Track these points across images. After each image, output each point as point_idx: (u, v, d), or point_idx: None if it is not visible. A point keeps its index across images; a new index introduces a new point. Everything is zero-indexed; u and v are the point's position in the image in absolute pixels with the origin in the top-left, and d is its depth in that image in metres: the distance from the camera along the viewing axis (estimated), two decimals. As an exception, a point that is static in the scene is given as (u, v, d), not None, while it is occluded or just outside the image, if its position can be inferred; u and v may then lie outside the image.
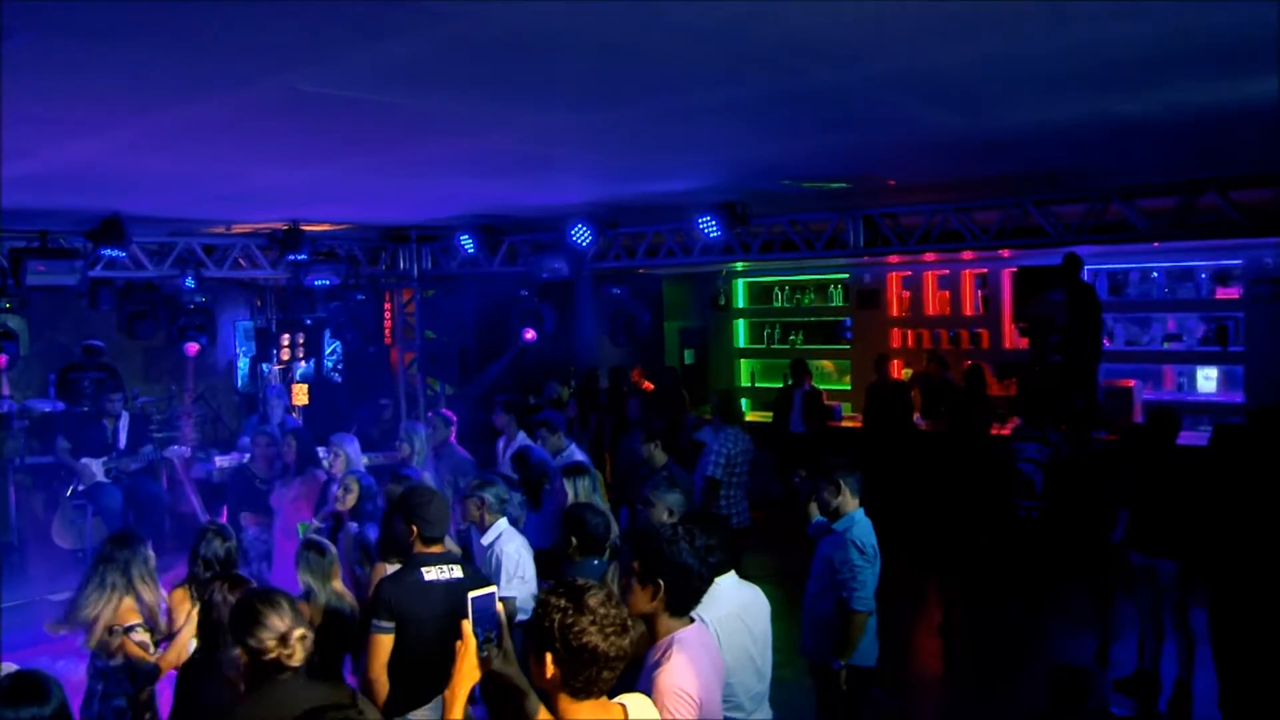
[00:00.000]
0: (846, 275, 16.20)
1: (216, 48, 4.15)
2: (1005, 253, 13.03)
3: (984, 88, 5.23)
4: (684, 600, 4.05)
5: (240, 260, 11.51)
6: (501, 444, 10.31)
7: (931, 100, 5.51)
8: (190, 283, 11.13)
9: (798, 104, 5.50)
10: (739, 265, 16.45)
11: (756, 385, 17.26)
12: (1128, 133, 6.40)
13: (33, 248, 9.64)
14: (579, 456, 9.14)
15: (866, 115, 5.83)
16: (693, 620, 4.11)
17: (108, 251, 9.86)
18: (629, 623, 3.30)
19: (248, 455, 9.73)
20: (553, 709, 3.31)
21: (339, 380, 14.42)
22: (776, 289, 17.36)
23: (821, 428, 14.38)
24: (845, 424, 15.23)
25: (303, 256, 10.79)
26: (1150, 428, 8.30)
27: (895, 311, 15.86)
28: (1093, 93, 5.33)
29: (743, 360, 17.99)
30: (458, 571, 5.53)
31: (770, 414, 14.85)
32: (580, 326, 14.25)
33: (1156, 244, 9.99)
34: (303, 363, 13.70)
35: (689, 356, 17.95)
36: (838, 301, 16.60)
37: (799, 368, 14.59)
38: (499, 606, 3.54)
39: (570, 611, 3.21)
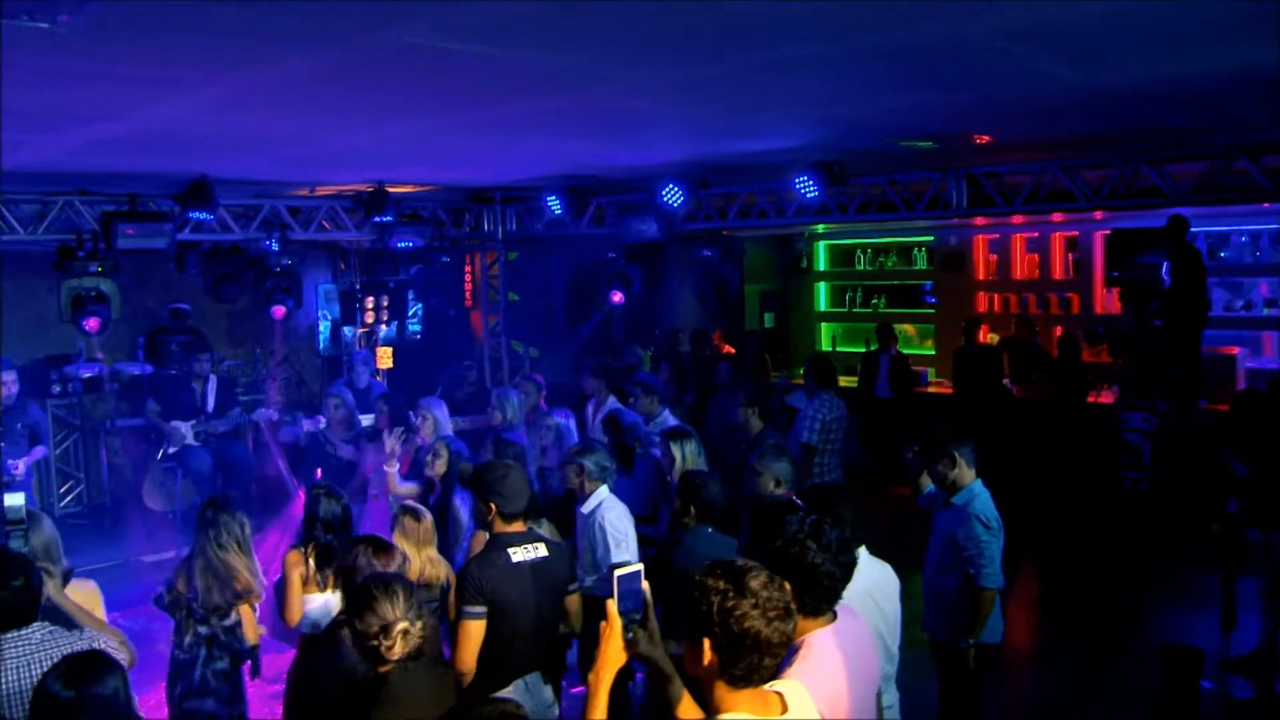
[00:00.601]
0: (931, 238, 15.86)
1: (310, 3, 3.99)
2: (1098, 214, 12.62)
3: (1112, 39, 4.92)
4: (816, 600, 3.74)
5: (324, 223, 11.42)
6: (590, 408, 10.15)
7: (1054, 53, 5.20)
8: (274, 245, 11.07)
9: (910, 58, 5.22)
10: (820, 227, 16.18)
11: (838, 349, 16.96)
12: (1260, 86, 6.04)
13: (122, 211, 9.61)
14: (673, 421, 8.94)
15: (984, 69, 5.54)
16: (835, 616, 3.83)
17: (196, 214, 9.82)
18: (792, 606, 3.08)
19: (323, 420, 9.65)
20: (707, 698, 3.10)
21: (421, 343, 14.32)
22: (859, 251, 17.06)
23: (909, 393, 14.11)
24: (932, 390, 14.94)
25: (388, 218, 10.66)
26: (1270, 395, 7.94)
27: (981, 275, 15.51)
28: (1226, 42, 5.00)
29: (823, 324, 17.73)
30: (543, 549, 5.34)
31: (854, 379, 14.56)
32: (667, 290, 14.03)
33: (1266, 205, 9.56)
34: (384, 326, 13.60)
35: (769, 320, 17.72)
36: (921, 265, 16.28)
37: (885, 332, 14.30)
38: (644, 585, 3.34)
39: (730, 594, 2.98)
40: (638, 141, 8.38)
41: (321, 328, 14.15)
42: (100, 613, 5.55)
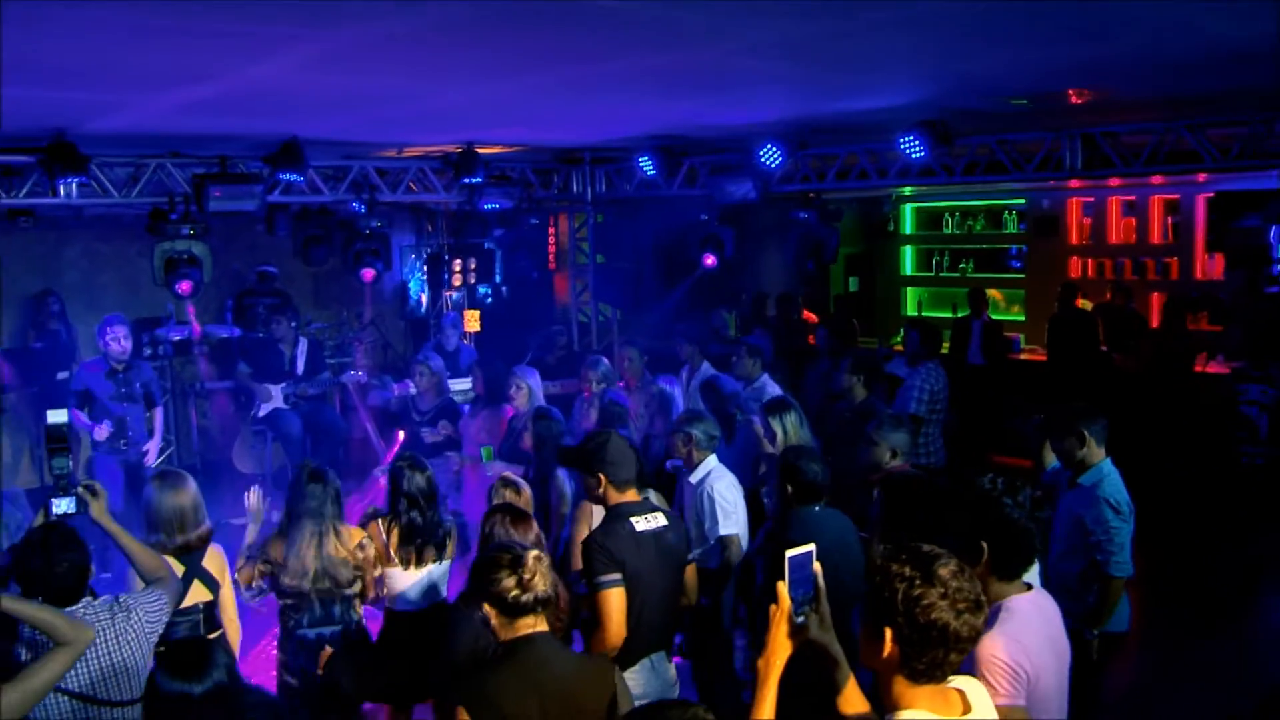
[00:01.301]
0: (1022, 201, 15.45)
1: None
2: (1201, 177, 12.17)
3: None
4: (1013, 563, 3.58)
5: (411, 184, 11.28)
6: (684, 374, 9.95)
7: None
8: (360, 207, 10.95)
9: (1042, 9, 4.91)
10: (907, 190, 15.82)
11: (923, 314, 16.61)
12: None
13: (213, 173, 9.52)
14: (773, 390, 8.71)
15: (1123, 18, 5.19)
16: (1029, 587, 3.65)
17: (285, 176, 9.73)
18: (983, 599, 2.86)
19: (412, 386, 9.55)
20: (883, 692, 2.90)
21: (505, 307, 14.21)
22: (946, 215, 16.67)
23: (1001, 360, 13.76)
24: (1024, 356, 14.57)
25: (478, 179, 10.48)
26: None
27: (1075, 239, 15.09)
28: None
29: (909, 288, 17.38)
30: (661, 518, 5.16)
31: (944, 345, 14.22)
32: (750, 253, 13.75)
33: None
34: (465, 289, 13.47)
35: (853, 284, 17.41)
36: (1011, 229, 15.87)
37: (977, 297, 13.95)
38: (816, 566, 3.13)
39: (917, 582, 2.79)
40: (738, 101, 8.10)
41: (413, 290, 14.09)
42: (226, 577, 5.50)
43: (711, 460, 6.43)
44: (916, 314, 16.81)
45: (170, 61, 5.64)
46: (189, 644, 3.45)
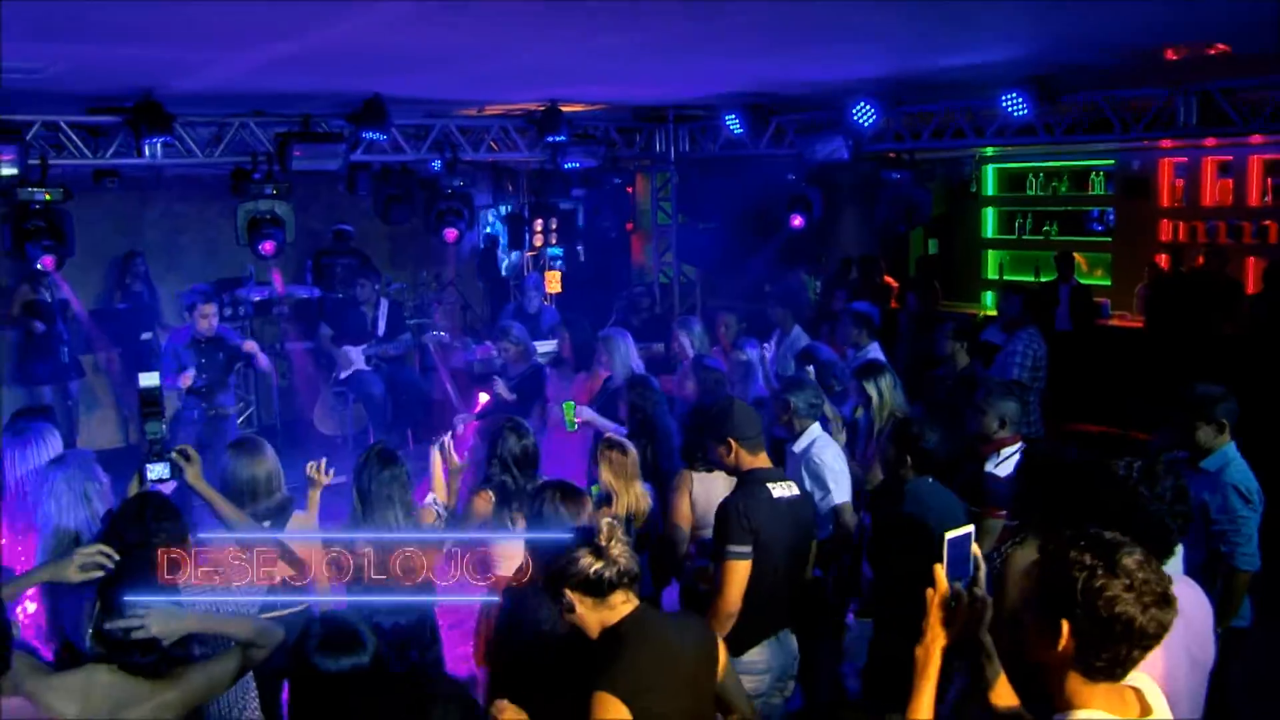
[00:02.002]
0: (1111, 162, 14.93)
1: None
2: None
3: None
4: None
5: (493, 143, 11.11)
6: (774, 339, 9.72)
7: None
8: (440, 166, 10.80)
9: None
10: (989, 150, 15.37)
11: (1004, 278, 16.19)
12: None
13: (296, 132, 9.42)
14: (876, 354, 8.45)
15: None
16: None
17: (368, 134, 9.57)
18: (1171, 593, 2.63)
19: (495, 350, 9.41)
20: (1055, 688, 2.68)
21: (584, 268, 14.05)
22: (1030, 175, 16.18)
23: (1090, 326, 13.33)
24: (1114, 323, 14.12)
25: (561, 138, 10.30)
26: None
27: (1166, 201, 14.54)
28: None
29: (990, 251, 16.92)
30: (794, 488, 4.99)
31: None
32: (839, 214, 13.42)
33: None
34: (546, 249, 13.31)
35: (933, 247, 17.01)
36: (1098, 190, 15.35)
37: (1065, 260, 13.51)
38: (974, 549, 2.92)
39: (1100, 571, 2.56)
40: (834, 57, 7.84)
41: (494, 250, 13.98)
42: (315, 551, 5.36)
43: (815, 429, 6.21)
44: (997, 277, 16.40)
45: (257, 18, 5.51)
46: (339, 622, 3.31)
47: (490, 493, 5.69)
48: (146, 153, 9.09)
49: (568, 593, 3.58)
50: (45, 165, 8.74)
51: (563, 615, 3.66)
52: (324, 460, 5.78)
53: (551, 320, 10.80)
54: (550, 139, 10.34)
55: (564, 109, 10.40)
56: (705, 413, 5.13)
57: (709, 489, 5.75)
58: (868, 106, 9.46)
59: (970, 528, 2.93)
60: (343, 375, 10.58)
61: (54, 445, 5.92)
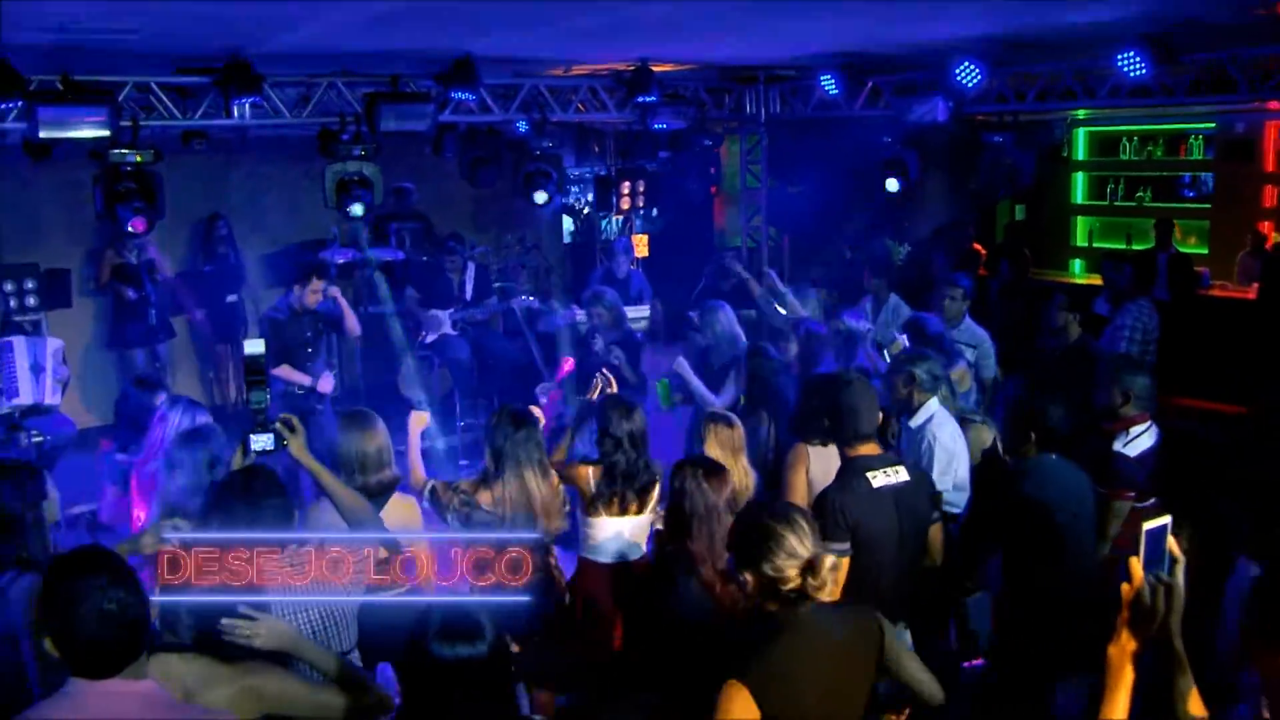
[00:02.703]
0: (1210, 125, 14.37)
1: None
2: None
3: None
4: None
5: (580, 105, 10.88)
6: (868, 307, 9.45)
7: None
8: (525, 128, 10.60)
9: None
10: (1081, 113, 14.86)
11: (1094, 245, 15.72)
12: None
13: (385, 92, 9.26)
14: (981, 334, 8.16)
15: None
16: None
17: (457, 94, 9.41)
18: None
19: (580, 314, 9.22)
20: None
21: (668, 232, 13.82)
22: (1124, 140, 15.64)
23: (1189, 296, 12.87)
24: (1215, 293, 13.62)
25: (652, 98, 10.05)
26: None
27: (1271, 166, 13.97)
28: None
29: (1079, 218, 16.43)
30: (903, 473, 4.75)
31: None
32: (925, 178, 13.03)
33: None
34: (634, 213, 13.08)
35: (1019, 213, 16.53)
36: (1196, 154, 14.80)
37: (1165, 228, 13.06)
38: (1171, 541, 2.68)
39: None
40: (937, 13, 7.53)
41: (579, 214, 13.77)
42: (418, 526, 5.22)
43: (933, 404, 5.95)
44: (1086, 244, 15.94)
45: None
46: (460, 609, 3.15)
47: (595, 467, 5.54)
48: (235, 113, 8.99)
49: (750, 577, 3.40)
50: (136, 127, 8.66)
51: (716, 584, 3.51)
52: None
53: (640, 285, 10.61)
54: (640, 99, 10.10)
55: (654, 69, 10.17)
56: (821, 384, 4.90)
57: (828, 464, 5.53)
58: (972, 66, 9.12)
59: (1168, 518, 2.68)
60: (429, 339, 10.46)
61: (200, 420, 5.86)
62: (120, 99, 8.46)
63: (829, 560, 3.38)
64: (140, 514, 6.05)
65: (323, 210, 11.60)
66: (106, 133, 8.19)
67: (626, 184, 11.60)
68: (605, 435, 5.54)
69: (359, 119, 9.40)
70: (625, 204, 11.67)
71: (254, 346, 4.49)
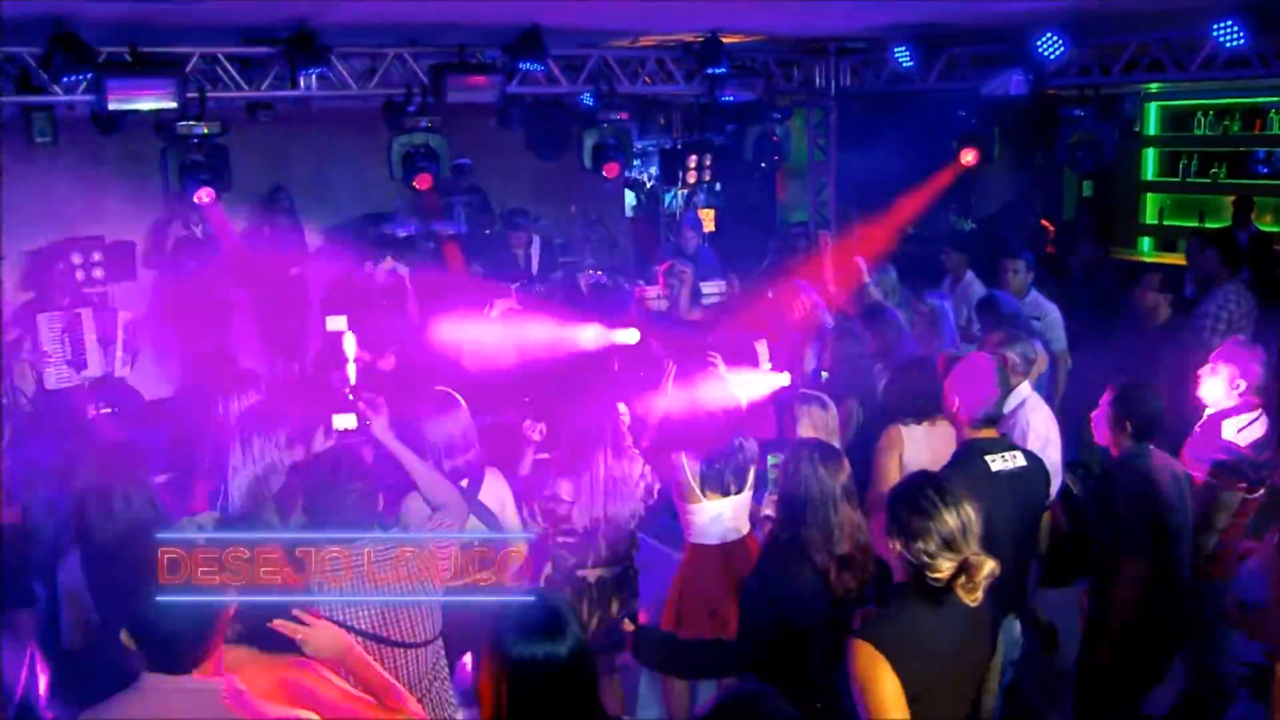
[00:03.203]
0: (1291, 98, 13.96)
1: None
2: None
3: None
4: None
5: (646, 77, 10.68)
6: (946, 285, 9.23)
7: None
8: (591, 100, 10.41)
9: None
10: (1154, 86, 14.47)
11: (1164, 223, 15.35)
12: None
13: (452, 63, 9.12)
14: (1048, 306, 7.94)
15: None
16: None
17: (525, 65, 9.24)
18: None
19: (650, 290, 9.06)
20: None
21: (732, 206, 13.61)
22: (1199, 114, 15.22)
23: (1270, 276, 12.50)
24: (1297, 273, 13.24)
25: (721, 70, 9.84)
26: None
27: (1353, 142, 13.60)
28: None
29: (1149, 194, 16.03)
30: (1020, 458, 4.58)
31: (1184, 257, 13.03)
32: (1007, 153, 12.72)
33: None
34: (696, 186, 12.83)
35: (1087, 189, 16.16)
36: (1276, 129, 14.37)
37: (1245, 205, 12.73)
38: None
39: None
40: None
41: (643, 187, 13.57)
42: (508, 510, 5.07)
43: (1025, 387, 5.77)
44: (1157, 222, 15.56)
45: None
46: (543, 604, 3.00)
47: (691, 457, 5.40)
48: (301, 84, 8.89)
49: (898, 546, 3.32)
50: (204, 98, 8.58)
51: (830, 572, 3.36)
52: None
53: (709, 260, 10.43)
54: (710, 71, 9.90)
55: (723, 41, 9.96)
56: (933, 364, 4.75)
57: (923, 448, 5.37)
58: (1055, 38, 8.84)
59: None
60: (494, 314, 10.32)
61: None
62: (187, 70, 8.38)
63: (988, 566, 3.23)
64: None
65: (385, 183, 11.52)
66: (174, 104, 8.12)
67: (693, 157, 11.40)
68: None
69: (425, 90, 9.25)
70: (691, 177, 11.47)
71: (336, 323, 4.37)
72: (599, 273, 10.63)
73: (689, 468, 5.37)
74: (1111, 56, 9.54)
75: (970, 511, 3.36)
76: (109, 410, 8.96)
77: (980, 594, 3.27)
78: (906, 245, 11.63)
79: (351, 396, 4.28)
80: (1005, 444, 4.69)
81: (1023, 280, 8.07)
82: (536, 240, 10.60)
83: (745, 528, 5.57)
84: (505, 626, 2.93)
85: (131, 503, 4.23)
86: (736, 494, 5.45)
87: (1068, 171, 15.41)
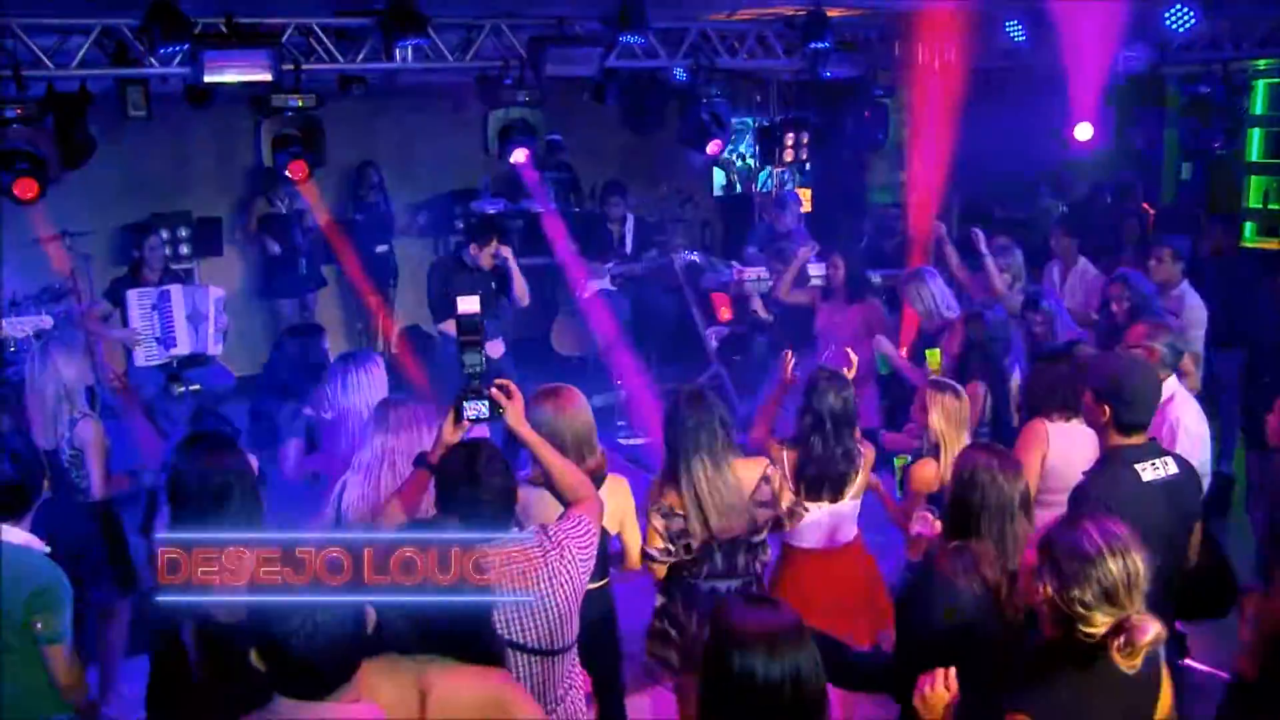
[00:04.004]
0: None
1: None
2: None
3: None
4: None
5: (745, 53, 10.30)
6: (1055, 271, 8.84)
7: None
8: (685, 75, 10.08)
9: None
10: (1261, 63, 13.88)
11: (1269, 207, 14.75)
12: None
13: (550, 35, 8.84)
14: (1194, 299, 7.52)
15: None
16: None
17: (625, 38, 8.92)
18: None
19: (749, 271, 8.74)
20: None
21: (826, 185, 13.25)
22: (1312, 93, 14.61)
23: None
24: None
25: (825, 44, 9.47)
26: None
27: None
28: None
29: (1254, 177, 15.42)
30: (1172, 465, 4.21)
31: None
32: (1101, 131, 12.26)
33: None
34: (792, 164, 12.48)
35: (1186, 171, 15.57)
36: (1396, 107, 13.76)
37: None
38: None
39: None
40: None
41: (738, 166, 13.23)
42: (629, 520, 4.71)
43: (1172, 382, 5.36)
44: (1261, 205, 14.96)
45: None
46: (770, 618, 2.75)
47: (791, 450, 5.08)
48: (398, 56, 8.64)
49: (1048, 590, 2.93)
50: (299, 71, 8.36)
51: (1002, 589, 3.04)
52: None
53: (804, 242, 10.08)
54: (813, 45, 9.53)
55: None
56: (1102, 364, 4.39)
57: (1069, 447, 5.01)
58: (1185, 9, 8.41)
59: None
60: (585, 294, 10.07)
61: (378, 379, 5.54)
62: (282, 42, 8.18)
63: (1151, 631, 2.87)
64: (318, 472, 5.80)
65: (470, 160, 11.33)
66: (269, 76, 7.90)
67: (790, 135, 11.04)
68: (807, 410, 5.08)
69: (522, 63, 8.97)
70: (789, 156, 11.10)
71: (469, 304, 4.06)
72: (695, 253, 10.33)
73: (785, 466, 5.05)
74: (1245, 30, 9.07)
75: (1138, 562, 2.97)
76: (197, 389, 8.82)
77: (1139, 660, 2.90)
78: (994, 228, 11.25)
79: (477, 382, 3.95)
80: (1155, 449, 4.29)
81: (1170, 269, 7.55)
82: (631, 218, 10.32)
83: (853, 530, 5.27)
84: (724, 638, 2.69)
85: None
86: (832, 503, 5.13)
87: (1168, 152, 14.95)
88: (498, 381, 3.91)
